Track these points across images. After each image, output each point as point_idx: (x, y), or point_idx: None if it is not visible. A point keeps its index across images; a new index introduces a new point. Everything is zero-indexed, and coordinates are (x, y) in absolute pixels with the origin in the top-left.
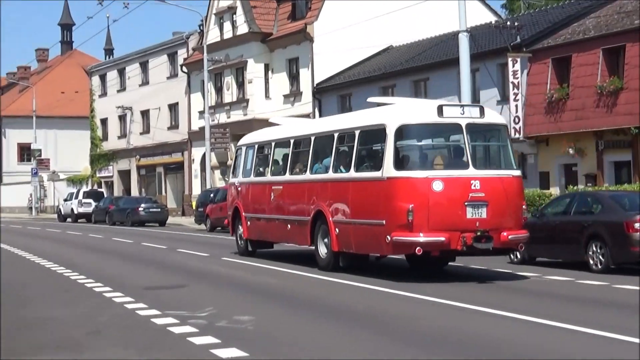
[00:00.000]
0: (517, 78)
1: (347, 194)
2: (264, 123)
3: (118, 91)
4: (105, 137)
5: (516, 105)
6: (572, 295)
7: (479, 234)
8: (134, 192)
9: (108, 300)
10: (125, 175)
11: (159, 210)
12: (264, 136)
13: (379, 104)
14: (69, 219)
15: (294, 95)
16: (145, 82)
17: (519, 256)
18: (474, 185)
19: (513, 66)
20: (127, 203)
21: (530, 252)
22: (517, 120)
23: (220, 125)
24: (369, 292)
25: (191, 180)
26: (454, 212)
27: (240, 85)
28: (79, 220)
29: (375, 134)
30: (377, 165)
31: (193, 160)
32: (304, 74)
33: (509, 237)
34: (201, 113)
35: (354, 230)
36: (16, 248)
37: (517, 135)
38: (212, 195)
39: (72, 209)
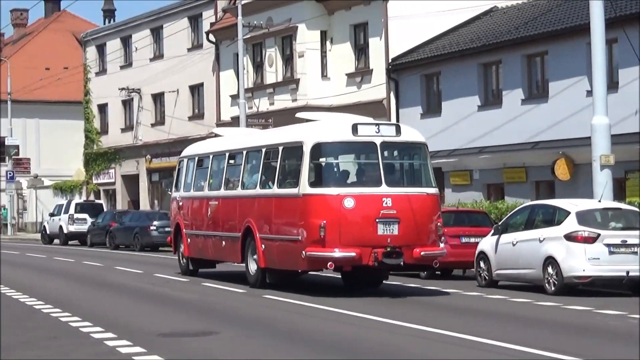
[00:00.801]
0: None
1: (270, 210)
2: (321, 112)
3: (122, 67)
4: (104, 130)
5: None
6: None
7: (389, 249)
8: (144, 205)
9: (111, 351)
10: (131, 181)
11: None
12: (204, 148)
13: (306, 120)
14: (56, 241)
15: (361, 74)
16: (158, 56)
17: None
18: (386, 203)
19: None
20: (134, 220)
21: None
22: None
23: (260, 115)
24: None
25: None
26: (366, 229)
27: (288, 60)
28: (69, 243)
29: (295, 151)
30: (297, 182)
31: None
32: (375, 45)
33: (421, 253)
34: (234, 98)
35: (277, 246)
36: None
37: None
38: None
39: (60, 227)
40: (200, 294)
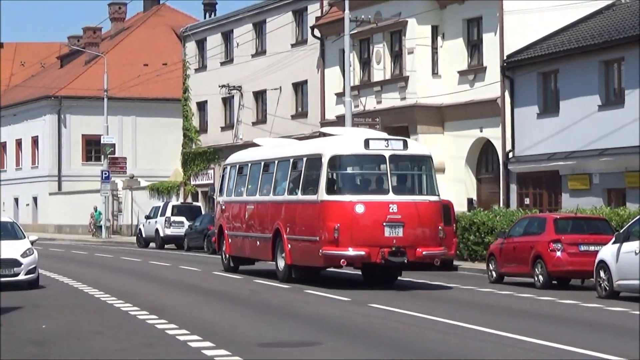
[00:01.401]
0: None
1: (295, 214)
2: (431, 111)
3: (222, 64)
4: (203, 129)
5: None
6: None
7: (394, 249)
8: None
9: None
10: None
11: None
12: (244, 157)
13: (326, 134)
14: (152, 244)
15: (474, 72)
16: (260, 52)
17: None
18: (392, 209)
19: None
20: None
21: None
22: None
23: (366, 114)
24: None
25: None
26: (374, 231)
27: (397, 56)
28: (166, 247)
29: (316, 162)
30: (316, 189)
31: None
32: (490, 41)
33: (423, 252)
34: (339, 96)
35: (300, 246)
36: (81, 283)
37: None
38: None
39: (156, 231)
40: (302, 302)
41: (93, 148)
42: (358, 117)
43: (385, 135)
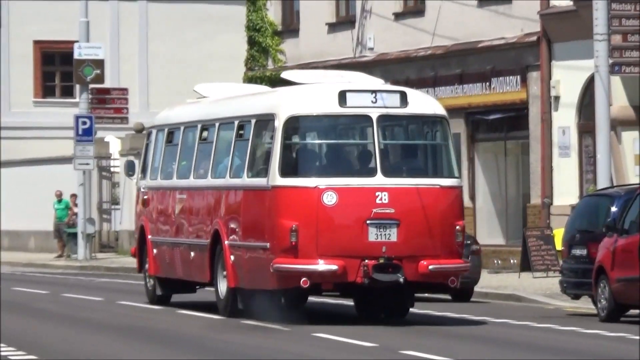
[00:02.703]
0: None
1: (239, 207)
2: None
3: None
4: (290, 28)
5: None
6: None
7: (383, 261)
8: None
9: None
10: None
11: None
12: (176, 116)
13: (289, 83)
14: None
15: None
16: None
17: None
18: (380, 198)
19: None
20: None
21: None
22: None
23: None
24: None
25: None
26: (352, 233)
27: None
28: None
29: (267, 126)
30: (267, 169)
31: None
32: None
33: (429, 267)
34: None
35: (247, 258)
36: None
37: None
38: None
39: None
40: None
41: (58, 70)
42: None
43: (377, 81)
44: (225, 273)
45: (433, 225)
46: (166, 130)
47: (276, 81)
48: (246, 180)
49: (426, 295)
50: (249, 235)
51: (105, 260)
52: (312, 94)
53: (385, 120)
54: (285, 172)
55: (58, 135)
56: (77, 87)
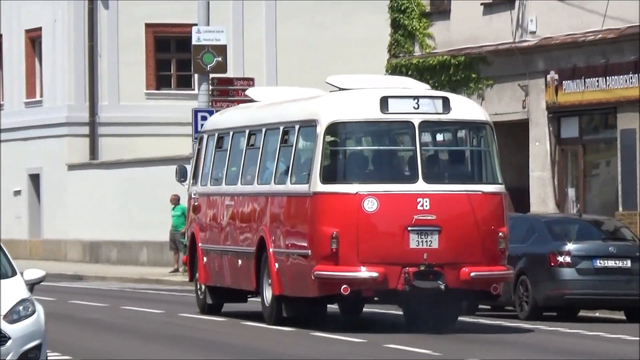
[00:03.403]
0: None
1: (283, 214)
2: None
3: None
4: (440, 8)
5: None
6: None
7: (424, 268)
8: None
9: None
10: None
11: None
12: (224, 121)
13: (333, 88)
14: None
15: None
16: None
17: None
18: (422, 205)
19: None
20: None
21: None
22: None
23: None
24: None
25: None
26: (394, 240)
27: None
28: None
29: (310, 132)
30: (309, 175)
31: None
32: None
33: (471, 274)
34: None
35: (290, 265)
36: None
37: None
38: None
39: None
40: None
41: (173, 57)
42: None
43: (421, 87)
44: (270, 281)
45: (475, 231)
46: (216, 135)
47: (424, 69)
48: (289, 186)
49: (596, 314)
50: (292, 242)
51: None
52: (354, 100)
53: (428, 126)
54: (326, 178)
55: (173, 132)
56: (196, 77)
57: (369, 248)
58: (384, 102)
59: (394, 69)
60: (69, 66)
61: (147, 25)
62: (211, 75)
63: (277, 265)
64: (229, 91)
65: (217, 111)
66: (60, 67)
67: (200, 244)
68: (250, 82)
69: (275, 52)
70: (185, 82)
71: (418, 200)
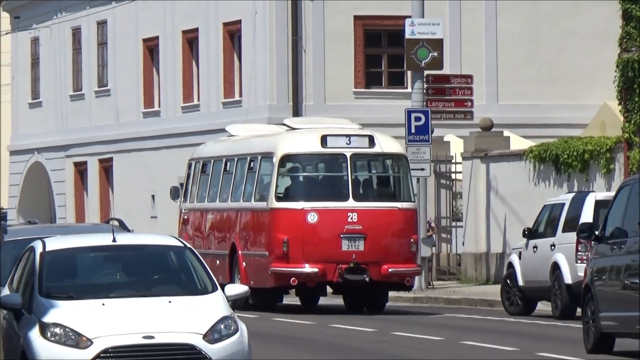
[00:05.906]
0: None
1: (250, 225)
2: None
3: None
4: None
5: None
6: None
7: (352, 265)
8: None
9: None
10: None
11: None
12: (208, 151)
13: (292, 128)
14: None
15: None
16: None
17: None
18: (351, 218)
19: None
20: None
21: None
22: None
23: None
24: None
25: None
26: (330, 244)
27: None
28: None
29: (268, 161)
30: (268, 195)
31: None
32: None
33: (389, 270)
34: None
35: (254, 263)
36: None
37: None
38: None
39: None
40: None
41: (384, 52)
42: None
43: (353, 127)
44: (239, 276)
45: (392, 238)
46: (201, 162)
47: None
48: (254, 203)
49: None
50: (255, 246)
51: (444, 290)
52: (301, 137)
53: (357, 158)
54: (279, 197)
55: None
56: (409, 74)
57: (312, 250)
58: (323, 139)
59: (625, 65)
60: (270, 62)
61: (356, 18)
62: (426, 72)
63: (244, 263)
64: (445, 90)
65: (433, 112)
66: (261, 64)
67: None
68: (468, 79)
69: (496, 46)
70: (397, 80)
71: (348, 214)
